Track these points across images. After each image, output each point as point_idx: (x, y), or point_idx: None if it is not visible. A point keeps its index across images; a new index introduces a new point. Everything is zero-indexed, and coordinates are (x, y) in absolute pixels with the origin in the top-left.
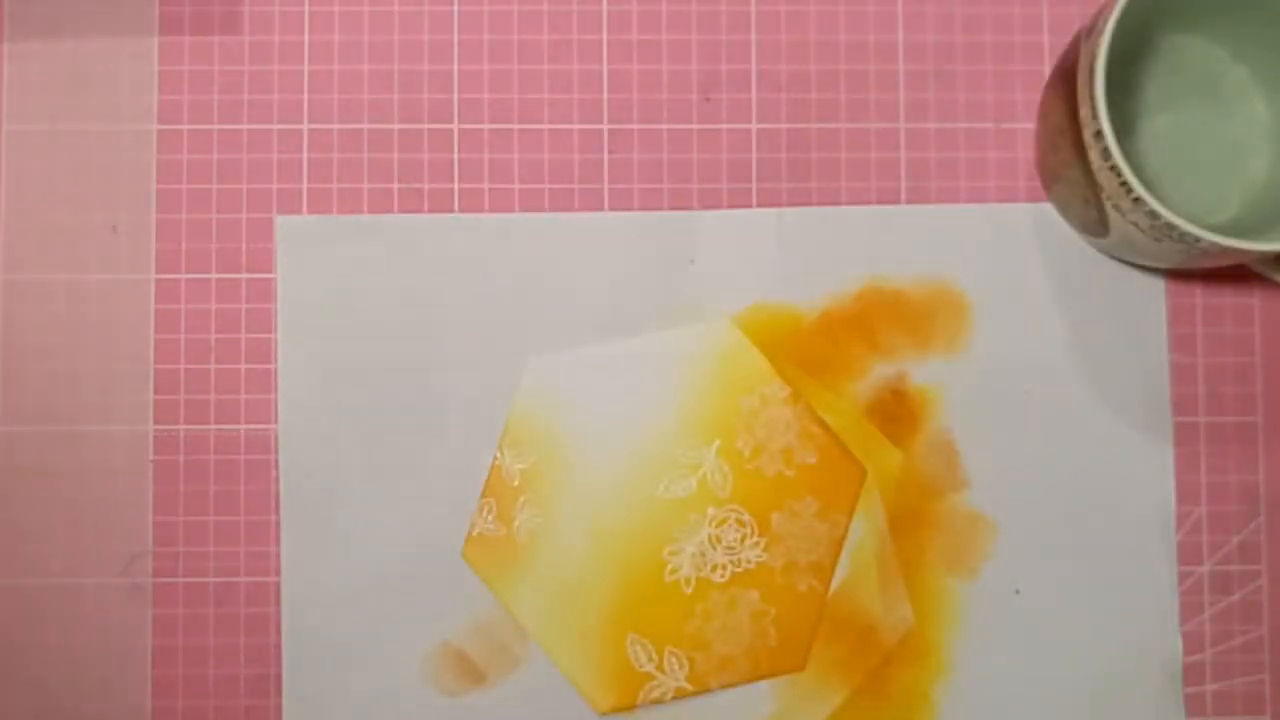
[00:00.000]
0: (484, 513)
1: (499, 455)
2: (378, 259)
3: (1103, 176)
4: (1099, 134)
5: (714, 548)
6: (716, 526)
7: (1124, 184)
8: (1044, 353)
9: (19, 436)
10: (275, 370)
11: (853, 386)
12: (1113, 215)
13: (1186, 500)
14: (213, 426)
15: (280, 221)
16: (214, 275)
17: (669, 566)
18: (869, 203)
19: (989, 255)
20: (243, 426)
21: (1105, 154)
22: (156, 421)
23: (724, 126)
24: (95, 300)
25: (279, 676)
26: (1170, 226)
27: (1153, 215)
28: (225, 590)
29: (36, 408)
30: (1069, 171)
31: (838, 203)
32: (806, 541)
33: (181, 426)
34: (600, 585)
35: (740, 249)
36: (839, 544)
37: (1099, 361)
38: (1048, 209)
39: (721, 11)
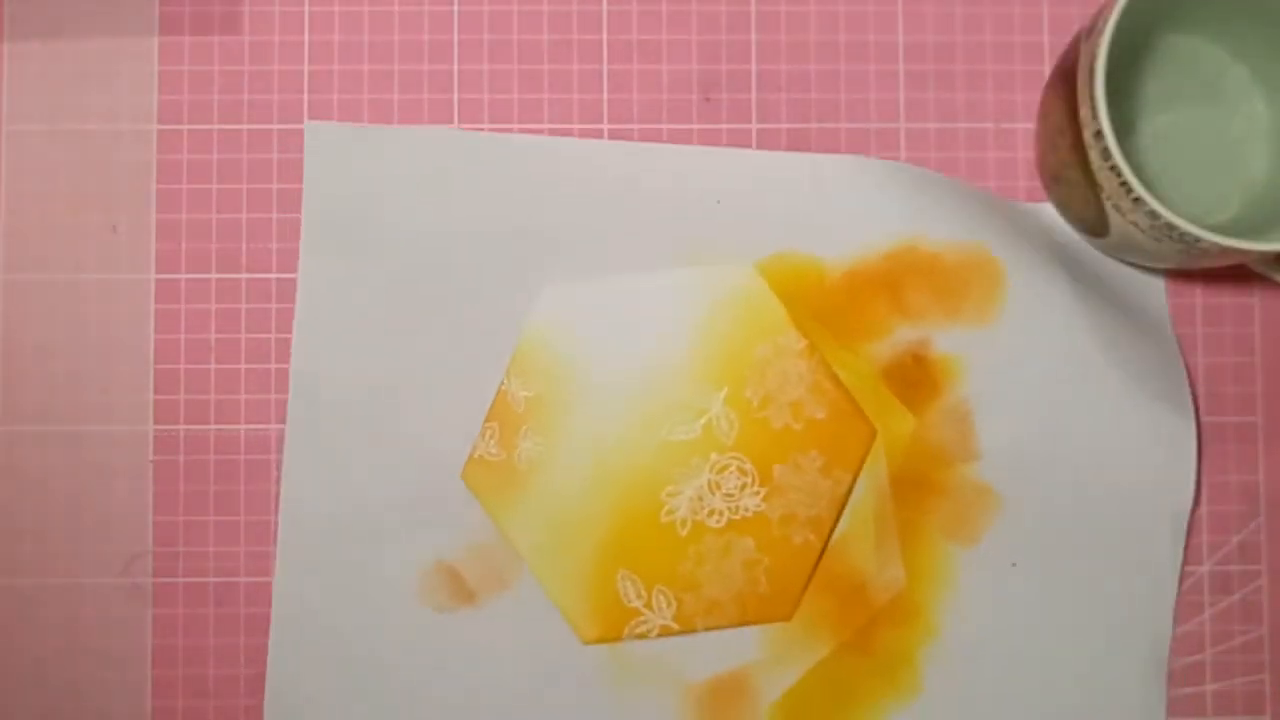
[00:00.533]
0: (487, 436)
1: (506, 381)
2: (404, 174)
3: (1103, 176)
4: (1099, 134)
5: (713, 493)
6: (717, 473)
7: (1124, 184)
8: (1069, 335)
9: (19, 436)
10: (274, 370)
11: (871, 347)
12: (1113, 215)
13: None
14: (213, 426)
15: (309, 126)
16: (214, 275)
17: (666, 507)
18: None
19: (1021, 232)
20: (243, 426)
21: (1105, 154)
22: (156, 421)
23: (724, 126)
24: (95, 300)
25: None
26: (1170, 226)
27: (1153, 215)
28: (225, 590)
29: (36, 408)
30: (1069, 171)
31: None
32: (808, 495)
33: (181, 426)
34: (596, 519)
35: (770, 193)
36: (840, 501)
37: (1119, 352)
38: (1048, 209)
39: (721, 11)
